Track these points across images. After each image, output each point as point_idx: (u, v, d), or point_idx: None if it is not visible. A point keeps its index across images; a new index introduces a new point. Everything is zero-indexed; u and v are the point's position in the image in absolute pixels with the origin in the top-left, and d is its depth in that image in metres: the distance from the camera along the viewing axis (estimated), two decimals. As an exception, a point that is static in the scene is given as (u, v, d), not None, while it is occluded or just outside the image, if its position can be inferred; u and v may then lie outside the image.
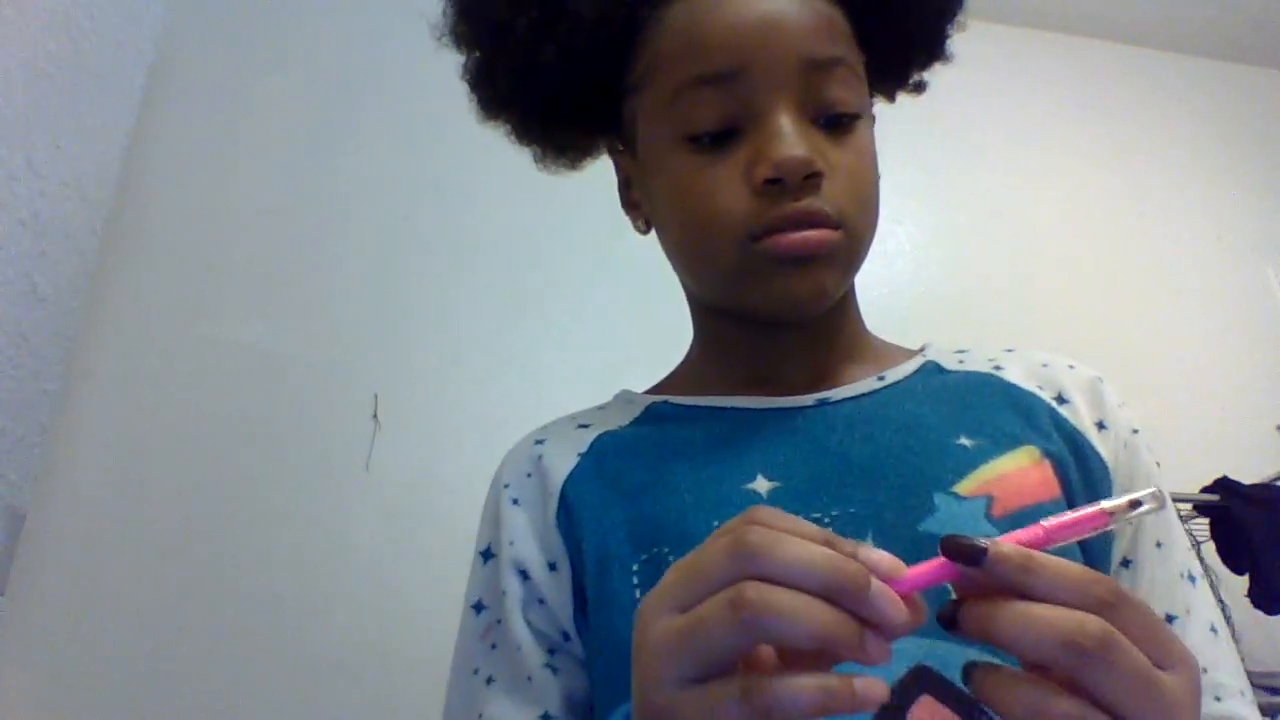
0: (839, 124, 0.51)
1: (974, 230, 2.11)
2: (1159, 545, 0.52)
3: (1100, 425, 0.54)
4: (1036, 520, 0.47)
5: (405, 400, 1.57)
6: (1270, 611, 1.66)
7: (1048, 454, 0.50)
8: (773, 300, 0.51)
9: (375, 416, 1.55)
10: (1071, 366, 0.57)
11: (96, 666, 1.31)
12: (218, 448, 1.48)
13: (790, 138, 0.48)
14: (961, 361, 0.59)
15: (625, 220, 0.62)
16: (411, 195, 1.73)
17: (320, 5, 1.80)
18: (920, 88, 0.64)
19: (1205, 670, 0.48)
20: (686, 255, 0.55)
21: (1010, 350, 0.60)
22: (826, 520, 0.46)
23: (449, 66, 0.60)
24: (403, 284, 1.67)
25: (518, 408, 1.54)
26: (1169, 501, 0.55)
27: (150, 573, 1.38)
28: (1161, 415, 1.95)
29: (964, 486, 0.47)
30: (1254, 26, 2.35)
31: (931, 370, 0.58)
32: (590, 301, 1.74)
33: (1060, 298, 2.07)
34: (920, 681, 0.41)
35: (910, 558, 0.44)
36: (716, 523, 0.46)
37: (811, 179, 0.49)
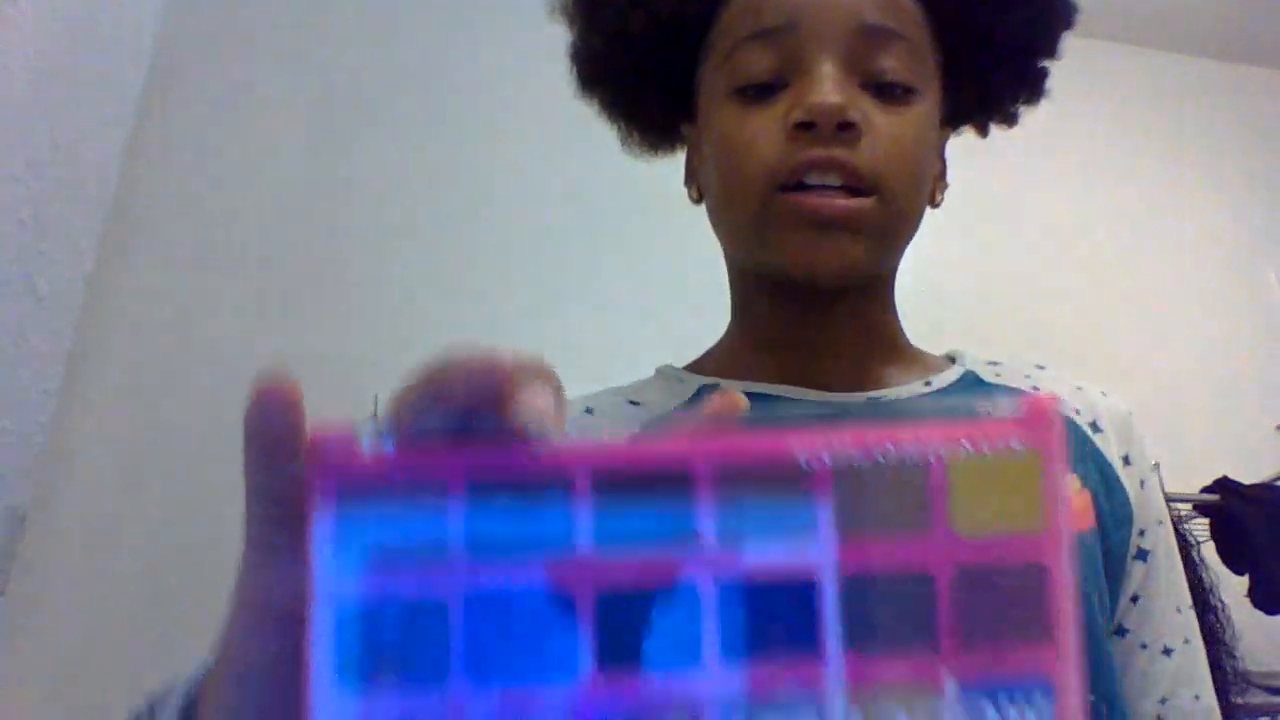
0: (891, 95, 0.51)
1: (972, 228, 2.11)
2: (1166, 575, 0.54)
3: (1126, 460, 0.54)
4: (1085, 548, 0.47)
5: (405, 400, 1.57)
6: (1270, 611, 1.66)
7: (1084, 485, 0.51)
8: (792, 261, 0.50)
9: (375, 416, 1.55)
10: (1104, 394, 0.57)
11: (96, 666, 1.31)
12: (218, 447, 1.48)
13: (826, 84, 0.48)
14: (998, 375, 0.58)
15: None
16: (412, 195, 1.73)
17: (321, 5, 1.80)
18: (1012, 120, 0.63)
19: (1198, 697, 0.52)
20: (720, 208, 0.55)
21: (1041, 368, 0.59)
22: None
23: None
24: (403, 283, 1.67)
25: (518, 408, 1.54)
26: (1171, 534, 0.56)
27: (150, 572, 1.38)
28: (1161, 415, 1.95)
29: None
30: (1254, 26, 2.35)
31: (971, 381, 0.57)
32: (593, 302, 1.74)
33: (1059, 296, 2.07)
34: None
35: None
36: None
37: (846, 130, 0.48)
